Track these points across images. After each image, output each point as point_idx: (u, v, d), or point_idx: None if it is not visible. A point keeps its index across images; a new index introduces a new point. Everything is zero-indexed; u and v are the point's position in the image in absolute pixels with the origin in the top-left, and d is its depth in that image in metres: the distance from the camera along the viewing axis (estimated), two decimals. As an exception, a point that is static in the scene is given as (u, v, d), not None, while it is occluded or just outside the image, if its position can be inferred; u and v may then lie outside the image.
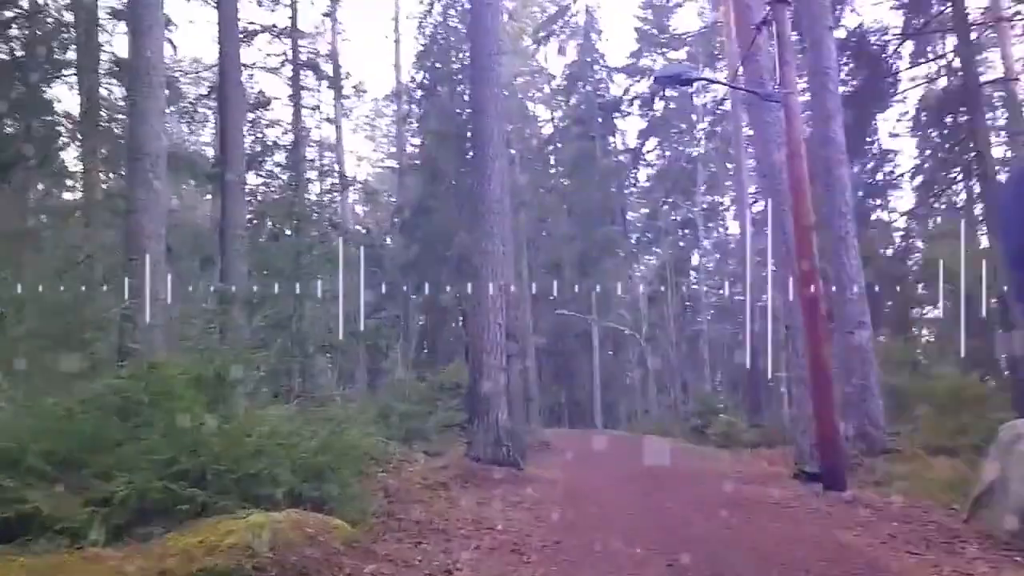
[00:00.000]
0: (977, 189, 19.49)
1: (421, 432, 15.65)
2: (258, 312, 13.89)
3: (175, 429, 6.86)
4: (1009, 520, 7.18)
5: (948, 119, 20.60)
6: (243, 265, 16.30)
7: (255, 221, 23.13)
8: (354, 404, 15.13)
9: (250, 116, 30.79)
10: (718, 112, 37.00)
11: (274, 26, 31.15)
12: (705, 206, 39.40)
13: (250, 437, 7.09)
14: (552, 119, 43.54)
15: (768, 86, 11.01)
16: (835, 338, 12.75)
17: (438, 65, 33.07)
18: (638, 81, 39.87)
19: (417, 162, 33.57)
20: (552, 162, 42.59)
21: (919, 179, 22.68)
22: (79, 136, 20.20)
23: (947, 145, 20.62)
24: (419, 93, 34.56)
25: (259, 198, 26.15)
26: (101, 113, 19.96)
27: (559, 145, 41.95)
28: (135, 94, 12.02)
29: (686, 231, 40.81)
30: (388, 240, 32.90)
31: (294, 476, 6.95)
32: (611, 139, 41.42)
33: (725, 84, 12.94)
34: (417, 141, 35.89)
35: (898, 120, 20.39)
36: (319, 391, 15.80)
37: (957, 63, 20.56)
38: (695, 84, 12.49)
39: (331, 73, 33.49)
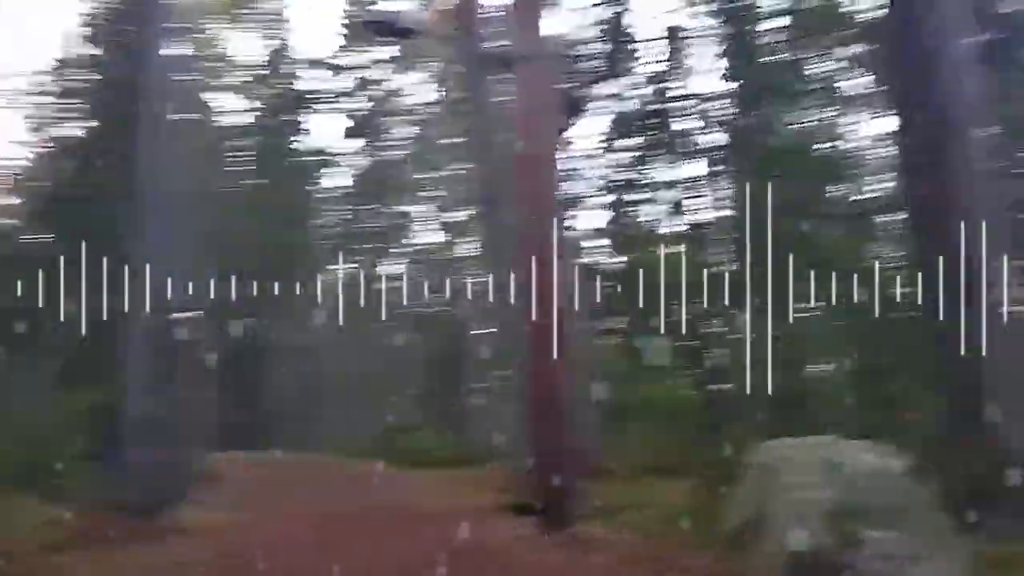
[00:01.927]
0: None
1: (46, 471, 12.13)
2: None
3: None
4: (772, 562, 6.05)
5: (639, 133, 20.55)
6: None
7: None
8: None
9: None
10: (425, 113, 35.73)
11: None
12: (405, 213, 37.91)
13: None
14: (239, 111, 39.73)
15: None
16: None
17: (101, 39, 28.47)
18: (337, 76, 37.52)
19: (72, 145, 28.55)
20: (238, 158, 38.78)
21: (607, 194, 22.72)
22: None
23: (641, 157, 20.56)
24: (79, 69, 29.60)
25: None
26: None
27: (247, 140, 38.31)
28: None
29: (383, 238, 39.04)
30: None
31: None
32: (305, 136, 38.57)
33: (447, 37, 11.25)
34: (77, 124, 30.75)
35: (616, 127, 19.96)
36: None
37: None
38: (408, 39, 10.58)
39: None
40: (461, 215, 33.64)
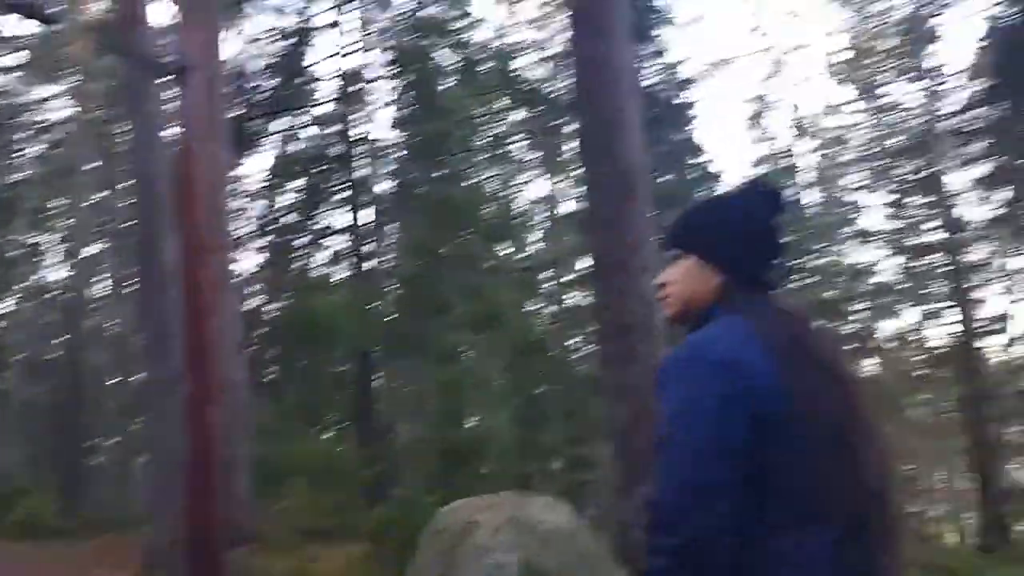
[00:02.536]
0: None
1: None
2: None
3: None
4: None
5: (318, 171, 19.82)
6: None
7: None
8: None
9: None
10: (55, 131, 31.65)
11: None
12: (26, 244, 33.10)
13: None
14: None
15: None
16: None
17: None
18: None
19: None
20: None
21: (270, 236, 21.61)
22: None
23: (310, 200, 19.79)
24: None
25: None
26: None
27: None
28: None
29: (-4, 271, 33.71)
30: None
31: None
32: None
33: (101, 37, 9.63)
34: None
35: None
36: None
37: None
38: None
39: None
40: (95, 248, 30.20)
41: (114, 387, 23.84)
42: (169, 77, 8.08)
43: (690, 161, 16.63)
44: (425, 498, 9.08)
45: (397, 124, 17.64)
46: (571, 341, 17.76)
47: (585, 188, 8.09)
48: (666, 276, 1.78)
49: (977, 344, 15.77)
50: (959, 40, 26.86)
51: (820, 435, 1.49)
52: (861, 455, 1.55)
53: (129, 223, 19.44)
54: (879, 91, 20.60)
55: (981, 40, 17.09)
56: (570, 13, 8.60)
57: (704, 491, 1.45)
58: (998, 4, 14.89)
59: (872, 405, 1.62)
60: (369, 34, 18.06)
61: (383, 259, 18.01)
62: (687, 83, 17.19)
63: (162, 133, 10.30)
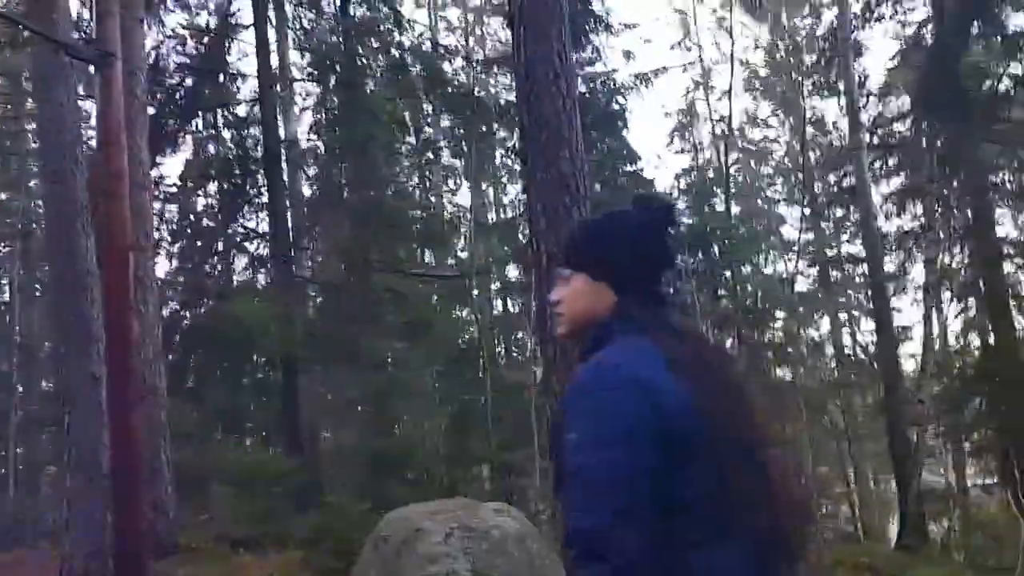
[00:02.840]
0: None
1: None
2: None
3: None
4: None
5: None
6: None
7: None
8: None
9: None
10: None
11: None
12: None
13: None
14: None
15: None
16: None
17: None
18: None
19: None
20: None
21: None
22: None
23: (231, 202, 19.19)
24: None
25: None
26: None
27: None
28: None
29: None
30: None
31: None
32: None
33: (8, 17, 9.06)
34: None
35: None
36: None
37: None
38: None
39: None
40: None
41: (20, 396, 22.64)
42: (87, 67, 7.65)
43: (625, 168, 16.71)
44: (357, 505, 8.84)
45: (321, 126, 17.23)
46: (501, 348, 17.66)
47: (524, 192, 8.00)
48: (558, 295, 1.77)
49: (894, 351, 16.27)
50: (879, 56, 27.84)
51: (730, 450, 1.51)
52: (770, 468, 1.59)
53: (38, 223, 18.60)
54: (800, 104, 21.17)
55: (892, 58, 17.70)
56: (510, 16, 8.51)
57: (628, 514, 1.44)
58: (918, 24, 15.43)
59: (776, 416, 1.72)
60: (294, 33, 17.62)
61: (306, 264, 17.58)
62: (623, 89, 17.19)
63: (77, 127, 9.73)
